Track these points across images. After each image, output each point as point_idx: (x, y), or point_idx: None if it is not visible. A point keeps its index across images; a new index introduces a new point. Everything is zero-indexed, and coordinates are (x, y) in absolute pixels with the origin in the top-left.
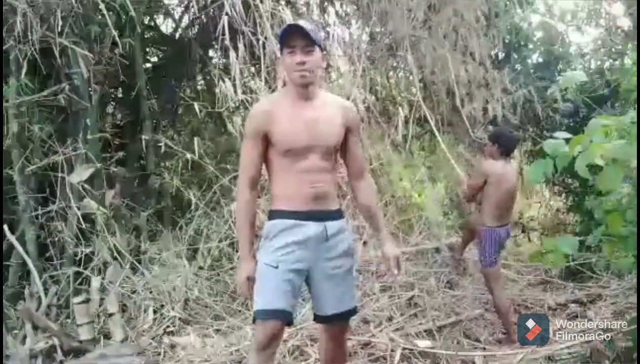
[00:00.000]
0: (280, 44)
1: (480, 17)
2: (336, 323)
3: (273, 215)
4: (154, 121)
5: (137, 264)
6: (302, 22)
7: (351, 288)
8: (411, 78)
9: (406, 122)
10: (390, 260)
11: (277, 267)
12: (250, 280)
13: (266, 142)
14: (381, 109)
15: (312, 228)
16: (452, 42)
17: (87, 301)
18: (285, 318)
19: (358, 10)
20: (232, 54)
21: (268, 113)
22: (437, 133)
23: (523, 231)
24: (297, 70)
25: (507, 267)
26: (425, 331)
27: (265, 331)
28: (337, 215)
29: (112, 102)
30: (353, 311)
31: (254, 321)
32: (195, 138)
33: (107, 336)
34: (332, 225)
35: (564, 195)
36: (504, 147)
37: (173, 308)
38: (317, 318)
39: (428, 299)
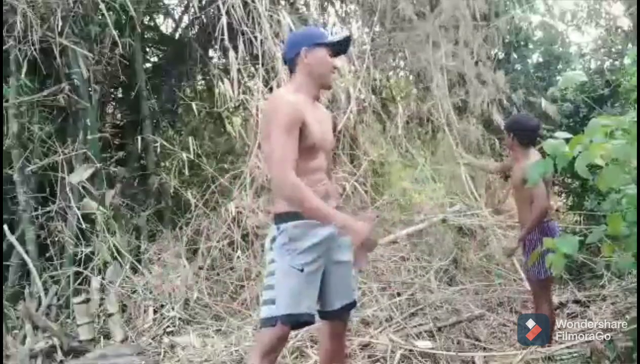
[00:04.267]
0: (327, 45)
1: (475, 13)
2: (341, 317)
3: (291, 216)
4: (154, 121)
5: (137, 264)
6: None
7: (353, 280)
8: (411, 77)
9: (407, 122)
10: None
11: (302, 270)
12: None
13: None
14: (381, 108)
15: (328, 227)
16: (450, 37)
17: (87, 301)
18: (307, 320)
19: (360, 8)
20: (231, 54)
21: (300, 106)
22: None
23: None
24: (332, 73)
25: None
26: (425, 331)
27: (280, 335)
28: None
29: (112, 102)
30: (354, 304)
31: (274, 324)
32: (190, 138)
33: (107, 336)
34: None
35: (564, 195)
36: (521, 135)
37: (173, 308)
38: (324, 315)
39: (428, 295)
